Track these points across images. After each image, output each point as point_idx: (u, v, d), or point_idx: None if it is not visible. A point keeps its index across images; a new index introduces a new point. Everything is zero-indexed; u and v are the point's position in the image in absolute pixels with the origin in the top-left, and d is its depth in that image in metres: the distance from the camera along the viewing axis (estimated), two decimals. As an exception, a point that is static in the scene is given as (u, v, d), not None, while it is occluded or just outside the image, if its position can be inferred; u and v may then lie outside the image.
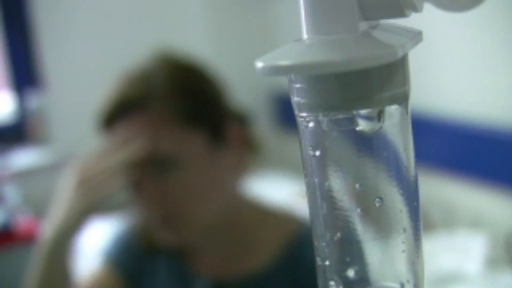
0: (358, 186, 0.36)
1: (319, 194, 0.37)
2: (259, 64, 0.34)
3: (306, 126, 0.36)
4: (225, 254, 1.06)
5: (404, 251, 0.37)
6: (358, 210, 0.37)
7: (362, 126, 0.35)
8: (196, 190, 1.00)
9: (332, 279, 0.38)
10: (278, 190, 2.27)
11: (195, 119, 1.00)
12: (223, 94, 1.06)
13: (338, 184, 0.37)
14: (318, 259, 0.38)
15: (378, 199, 0.36)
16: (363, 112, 0.35)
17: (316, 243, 0.38)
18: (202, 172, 1.00)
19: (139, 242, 1.10)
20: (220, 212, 1.02)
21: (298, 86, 0.35)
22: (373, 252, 0.37)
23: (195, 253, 1.07)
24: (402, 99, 0.36)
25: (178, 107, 1.00)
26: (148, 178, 0.99)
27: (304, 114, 0.36)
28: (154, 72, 1.03)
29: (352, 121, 0.35)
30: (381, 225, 0.37)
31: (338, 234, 0.37)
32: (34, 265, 1.01)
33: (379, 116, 0.35)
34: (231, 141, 1.04)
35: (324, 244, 0.38)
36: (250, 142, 1.09)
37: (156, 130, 0.99)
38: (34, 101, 2.47)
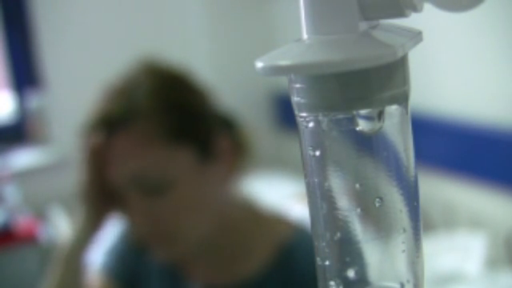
0: (358, 185, 0.36)
1: (319, 194, 0.37)
2: (259, 64, 0.34)
3: (306, 126, 0.36)
4: (217, 260, 1.05)
5: (404, 251, 0.37)
6: (358, 210, 0.37)
7: (362, 126, 0.35)
8: (187, 208, 0.97)
9: (332, 279, 0.38)
10: (278, 191, 2.27)
11: (182, 135, 0.96)
12: (209, 103, 1.02)
13: (337, 184, 0.37)
14: (317, 259, 0.38)
15: (378, 199, 0.36)
16: (363, 112, 0.35)
17: (316, 243, 0.38)
18: (191, 189, 0.97)
19: (132, 249, 1.09)
20: (212, 223, 1.01)
21: (297, 85, 0.35)
22: (373, 252, 0.37)
23: (187, 260, 1.07)
24: (402, 99, 0.36)
25: (163, 124, 0.95)
26: (136, 198, 0.96)
27: (304, 114, 0.36)
28: (137, 85, 0.98)
29: (352, 121, 0.35)
30: (381, 225, 0.37)
31: (338, 234, 0.37)
32: (50, 272, 1.03)
33: (379, 116, 0.35)
34: (220, 152, 1.00)
35: (324, 244, 0.38)
36: (241, 147, 1.05)
37: (141, 150, 0.95)
38: (34, 101, 2.47)
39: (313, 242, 0.38)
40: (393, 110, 0.36)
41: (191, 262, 1.06)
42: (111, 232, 1.12)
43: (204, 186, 0.99)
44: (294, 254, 1.01)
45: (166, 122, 0.96)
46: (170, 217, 0.97)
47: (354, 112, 0.35)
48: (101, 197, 0.99)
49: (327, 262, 0.38)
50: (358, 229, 0.37)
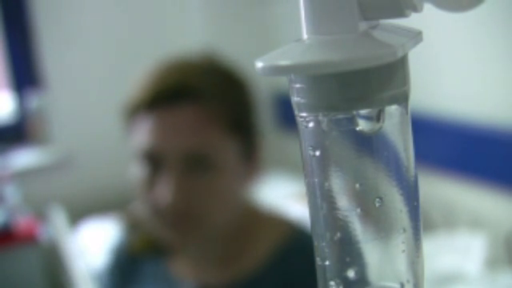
0: (357, 185, 0.36)
1: (319, 194, 0.37)
2: (259, 64, 0.34)
3: (306, 126, 0.36)
4: (214, 260, 1.05)
5: (404, 251, 0.37)
6: (358, 210, 0.37)
7: (362, 126, 0.35)
8: (220, 196, 0.98)
9: (332, 279, 0.38)
10: (278, 191, 2.27)
11: (238, 128, 0.99)
12: (258, 110, 1.07)
13: (337, 184, 0.37)
14: (317, 259, 0.38)
15: (378, 199, 0.36)
16: (363, 112, 0.35)
17: (316, 243, 0.38)
18: (229, 179, 0.99)
19: (129, 252, 1.10)
20: (232, 218, 1.02)
21: (297, 85, 0.35)
22: (373, 252, 0.37)
23: (183, 258, 1.06)
24: (402, 99, 0.36)
25: (227, 111, 0.98)
26: (177, 172, 0.96)
27: (304, 114, 0.36)
28: (210, 68, 1.01)
29: (352, 121, 0.35)
30: (381, 225, 0.37)
31: (338, 234, 0.37)
32: None
33: (379, 116, 0.35)
34: (255, 154, 1.04)
35: (324, 244, 0.38)
36: (263, 164, 1.09)
37: (203, 127, 0.96)
38: (34, 101, 2.47)
39: (310, 242, 0.38)
40: (393, 109, 0.36)
41: (185, 260, 1.06)
42: (110, 236, 1.12)
43: (237, 180, 1.01)
44: (291, 254, 1.01)
45: (230, 110, 0.99)
46: (204, 200, 0.97)
47: (354, 112, 0.35)
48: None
49: (327, 262, 0.38)
50: (358, 229, 0.37)
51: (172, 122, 0.96)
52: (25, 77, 2.52)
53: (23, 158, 2.46)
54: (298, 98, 0.36)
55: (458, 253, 1.71)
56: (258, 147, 1.05)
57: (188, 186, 0.96)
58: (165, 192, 0.96)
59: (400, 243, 0.37)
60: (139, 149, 0.98)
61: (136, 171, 1.00)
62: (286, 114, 2.64)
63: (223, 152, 0.98)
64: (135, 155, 0.99)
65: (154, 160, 0.97)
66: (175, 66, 1.00)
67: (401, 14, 0.35)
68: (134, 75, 1.04)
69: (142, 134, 0.98)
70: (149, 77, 0.99)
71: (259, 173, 1.06)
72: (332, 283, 0.38)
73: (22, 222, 2.30)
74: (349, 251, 0.37)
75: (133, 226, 1.08)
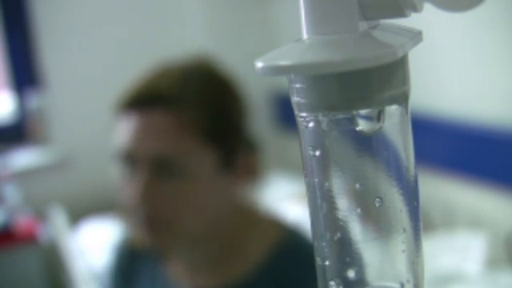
0: (357, 185, 0.36)
1: (319, 194, 0.37)
2: (259, 64, 0.34)
3: (306, 126, 0.36)
4: (206, 263, 1.05)
5: (404, 251, 0.37)
6: (358, 210, 0.37)
7: (362, 126, 0.35)
8: (190, 204, 0.98)
9: (332, 279, 0.38)
10: (278, 191, 2.27)
11: (214, 138, 0.99)
12: (247, 119, 1.05)
13: (337, 184, 0.37)
14: (317, 259, 0.38)
15: (377, 199, 0.36)
16: (363, 112, 0.35)
17: (316, 243, 0.38)
18: (201, 189, 0.98)
19: (128, 253, 1.10)
20: (208, 226, 1.01)
21: (297, 85, 0.35)
22: (373, 252, 0.37)
23: (176, 261, 1.07)
24: (402, 99, 0.36)
25: (203, 120, 0.98)
26: (148, 175, 0.97)
27: (304, 114, 0.36)
28: (193, 75, 1.01)
29: (352, 121, 0.35)
30: (381, 225, 0.37)
31: (338, 234, 0.37)
32: None
33: (379, 116, 0.35)
34: (239, 169, 1.02)
35: (324, 244, 0.38)
36: (257, 172, 1.07)
37: (176, 132, 0.97)
38: (34, 101, 2.47)
39: (304, 244, 0.38)
40: (393, 110, 0.36)
41: (179, 263, 1.06)
42: (110, 235, 1.12)
43: (213, 191, 1.00)
44: (284, 256, 1.01)
45: (206, 119, 0.99)
46: (172, 206, 0.97)
47: (354, 112, 0.35)
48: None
49: (327, 262, 0.38)
50: (358, 229, 0.37)
51: (143, 125, 0.98)
52: (25, 77, 2.52)
53: (23, 158, 2.46)
54: (298, 98, 0.36)
55: (457, 253, 1.71)
56: (246, 154, 1.03)
57: (156, 189, 0.97)
58: (134, 192, 0.98)
59: (400, 243, 0.37)
60: (117, 148, 1.01)
61: (115, 170, 1.02)
62: (285, 114, 2.64)
63: (195, 160, 0.97)
64: (115, 154, 1.01)
65: (130, 160, 0.99)
66: (158, 71, 1.02)
67: (401, 14, 0.35)
68: (132, 75, 1.06)
69: (121, 134, 1.00)
70: (135, 79, 1.02)
71: (249, 180, 1.04)
72: (332, 283, 0.38)
73: (22, 222, 2.30)
74: (349, 251, 0.37)
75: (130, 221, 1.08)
